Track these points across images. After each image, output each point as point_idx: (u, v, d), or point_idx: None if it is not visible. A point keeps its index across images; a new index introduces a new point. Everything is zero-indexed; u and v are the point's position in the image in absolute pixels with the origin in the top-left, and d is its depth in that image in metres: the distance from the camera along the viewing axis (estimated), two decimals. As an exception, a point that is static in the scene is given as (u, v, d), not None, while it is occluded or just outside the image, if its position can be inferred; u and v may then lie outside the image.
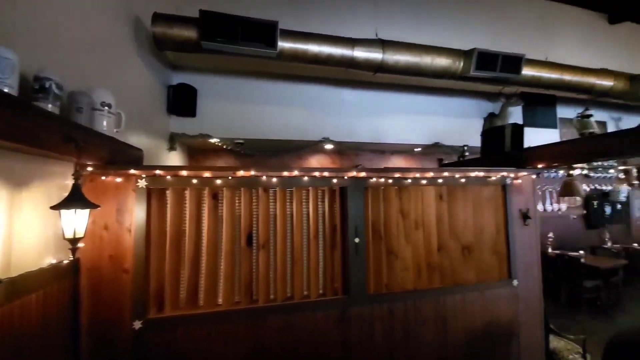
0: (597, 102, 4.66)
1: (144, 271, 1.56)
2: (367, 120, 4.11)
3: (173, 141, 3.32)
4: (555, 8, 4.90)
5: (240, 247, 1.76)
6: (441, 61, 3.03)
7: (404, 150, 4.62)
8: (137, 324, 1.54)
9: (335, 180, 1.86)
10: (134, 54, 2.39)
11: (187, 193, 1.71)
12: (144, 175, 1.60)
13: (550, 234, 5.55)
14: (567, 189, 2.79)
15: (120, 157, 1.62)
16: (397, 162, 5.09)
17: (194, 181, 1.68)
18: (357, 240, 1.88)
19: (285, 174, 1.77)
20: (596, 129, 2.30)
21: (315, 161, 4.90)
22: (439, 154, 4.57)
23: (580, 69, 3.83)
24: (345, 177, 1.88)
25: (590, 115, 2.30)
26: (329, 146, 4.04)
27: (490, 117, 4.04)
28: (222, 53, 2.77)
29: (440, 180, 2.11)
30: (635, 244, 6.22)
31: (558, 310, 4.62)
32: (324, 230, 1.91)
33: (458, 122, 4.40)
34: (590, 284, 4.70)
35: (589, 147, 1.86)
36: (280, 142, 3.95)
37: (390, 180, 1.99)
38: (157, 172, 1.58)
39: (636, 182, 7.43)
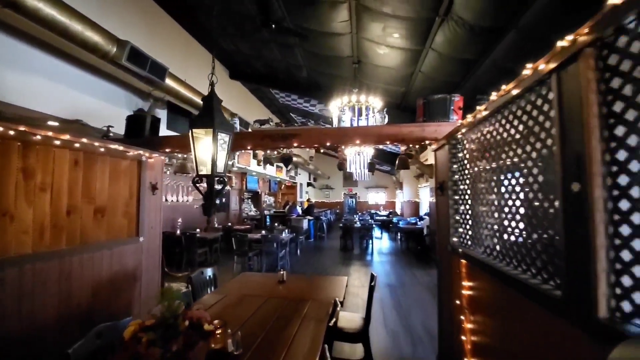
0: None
1: None
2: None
3: None
4: (198, 47, 6.60)
5: None
6: (93, 36, 3.02)
7: (33, 117, 3.69)
8: None
9: None
10: None
11: None
12: None
13: (180, 219, 7.04)
14: (182, 168, 4.14)
15: None
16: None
17: None
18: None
19: None
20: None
21: None
22: (83, 134, 4.22)
23: (206, 97, 5.53)
24: None
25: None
26: None
27: (139, 112, 4.50)
28: None
29: (77, 145, 2.20)
30: (230, 224, 9.56)
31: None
32: None
33: (108, 108, 4.39)
34: (201, 250, 6.61)
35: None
36: None
37: (12, 132, 1.76)
38: None
39: (234, 185, 11.47)
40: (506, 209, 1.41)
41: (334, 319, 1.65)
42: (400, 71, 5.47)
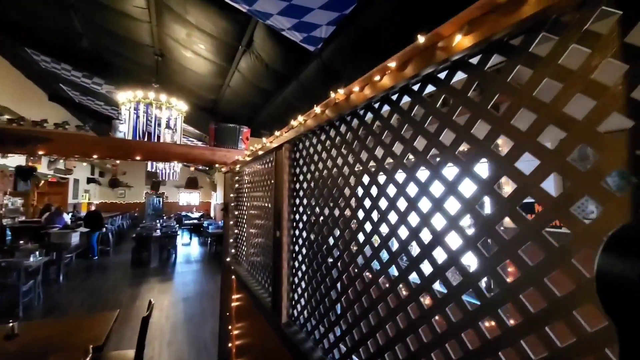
0: None
1: None
2: None
3: None
4: None
5: None
6: None
7: None
8: None
9: None
10: None
11: None
12: None
13: None
14: None
15: None
16: None
17: None
18: None
19: None
20: None
21: None
22: None
23: None
24: None
25: None
26: None
27: None
28: None
29: None
30: None
31: None
32: None
33: None
34: None
35: None
36: None
37: None
38: None
39: None
40: (257, 239, 1.80)
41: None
42: (210, 79, 5.45)
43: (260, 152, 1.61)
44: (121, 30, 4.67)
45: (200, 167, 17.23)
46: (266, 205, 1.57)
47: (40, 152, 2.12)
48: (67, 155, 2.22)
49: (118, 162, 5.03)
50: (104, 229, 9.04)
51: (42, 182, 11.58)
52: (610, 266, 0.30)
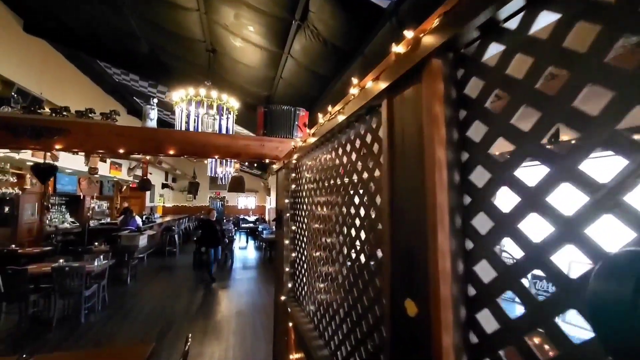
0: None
1: None
2: None
3: None
4: None
5: None
6: None
7: None
8: None
9: None
10: None
11: None
12: None
13: None
14: None
15: None
16: None
17: None
18: None
19: None
20: None
21: None
22: None
23: None
24: None
25: None
26: None
27: None
28: None
29: None
30: (14, 246, 6.43)
31: None
32: None
33: None
34: None
35: None
36: None
37: None
38: None
39: (28, 186, 7.98)
40: (327, 267, 1.01)
41: None
42: (261, 72, 4.98)
43: (341, 117, 0.82)
44: (174, 26, 4.46)
45: (256, 172, 17.51)
46: (345, 218, 0.76)
47: (57, 146, 1.68)
48: (88, 151, 1.76)
49: (148, 158, 4.84)
50: (168, 230, 9.11)
51: (124, 187, 12.88)
52: (603, 288, 0.29)
